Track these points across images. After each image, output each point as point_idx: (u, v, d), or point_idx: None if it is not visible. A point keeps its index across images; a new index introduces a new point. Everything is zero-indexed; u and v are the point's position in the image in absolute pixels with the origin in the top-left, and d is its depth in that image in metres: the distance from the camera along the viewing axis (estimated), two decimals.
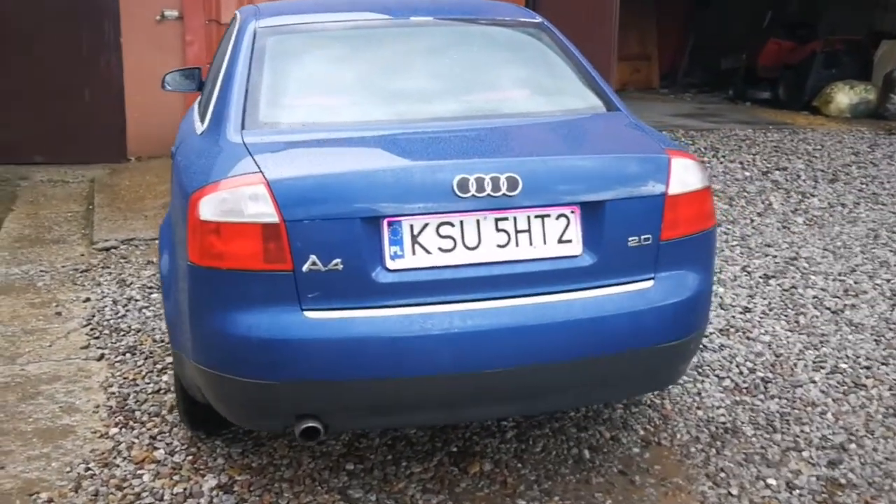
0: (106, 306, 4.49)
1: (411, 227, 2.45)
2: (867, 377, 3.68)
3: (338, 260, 2.39)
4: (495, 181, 2.45)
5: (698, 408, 3.43)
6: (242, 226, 2.39)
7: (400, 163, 2.58)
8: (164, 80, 4.39)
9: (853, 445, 3.16)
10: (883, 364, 3.80)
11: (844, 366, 3.78)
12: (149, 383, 3.65)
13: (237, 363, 2.46)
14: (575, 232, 2.56)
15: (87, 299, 4.60)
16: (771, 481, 2.95)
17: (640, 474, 3.00)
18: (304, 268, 2.39)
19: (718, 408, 3.42)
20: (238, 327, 2.43)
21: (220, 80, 3.09)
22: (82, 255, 5.34)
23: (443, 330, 2.45)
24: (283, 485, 2.93)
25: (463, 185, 2.43)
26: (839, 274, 4.88)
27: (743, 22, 13.25)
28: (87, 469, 3.03)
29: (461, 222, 2.48)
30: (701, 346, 3.95)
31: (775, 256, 5.16)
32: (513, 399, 2.63)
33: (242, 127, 2.78)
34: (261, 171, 2.45)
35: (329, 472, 3.00)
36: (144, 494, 2.88)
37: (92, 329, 4.22)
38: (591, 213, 2.57)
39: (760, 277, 4.83)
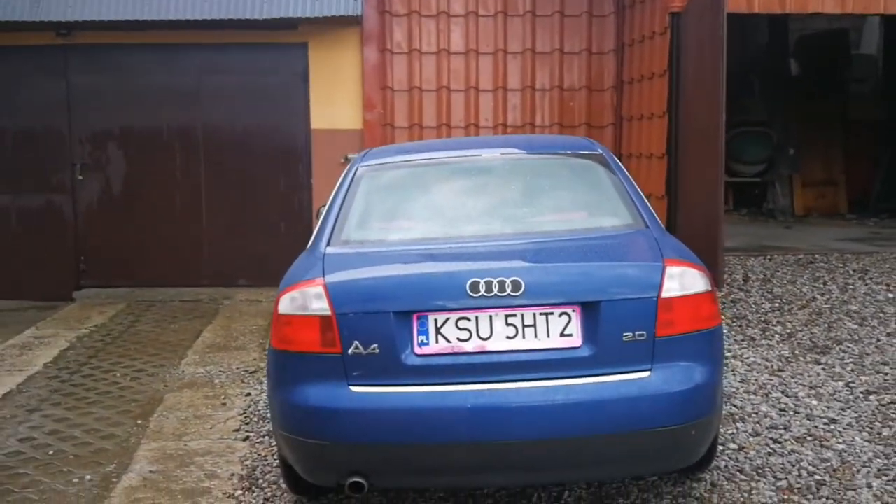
0: (261, 399, 5.36)
1: (435, 320, 3.07)
2: None
3: (375, 345, 3.05)
4: (502, 284, 3.03)
5: (743, 503, 3.65)
6: (306, 318, 3.12)
7: (428, 269, 3.24)
8: (318, 211, 5.33)
9: None
10: None
11: None
12: (276, 459, 4.40)
13: (300, 426, 3.15)
14: (575, 327, 3.07)
15: (249, 394, 5.51)
16: None
17: None
18: (350, 351, 3.06)
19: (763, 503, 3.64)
20: (301, 397, 3.12)
21: (326, 208, 3.93)
22: (255, 359, 6.33)
23: (459, 405, 3.00)
24: None
25: (475, 286, 3.04)
26: None
27: None
28: None
29: (476, 318, 3.07)
30: (769, 449, 4.14)
31: (887, 374, 5.18)
32: (524, 469, 3.10)
33: (328, 244, 3.57)
34: (323, 277, 3.19)
35: None
36: None
37: (245, 417, 5.09)
38: (590, 312, 3.07)
39: (861, 393, 4.89)
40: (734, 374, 5.26)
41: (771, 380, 5.15)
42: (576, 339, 3.07)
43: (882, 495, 3.67)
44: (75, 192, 8.90)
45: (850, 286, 7.17)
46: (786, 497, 3.69)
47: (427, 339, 3.07)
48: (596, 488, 3.83)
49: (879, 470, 3.90)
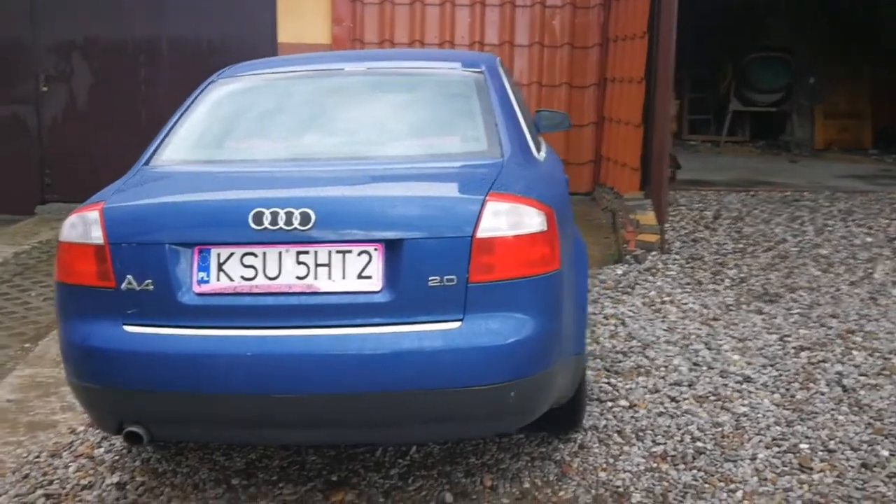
0: None
1: (218, 255, 2.68)
2: (822, 461, 3.29)
3: (150, 280, 2.67)
4: (289, 215, 2.62)
5: (604, 469, 3.27)
6: (81, 247, 2.76)
7: (211, 196, 2.83)
8: None
9: None
10: (853, 450, 3.36)
11: (804, 446, 3.40)
12: None
13: (76, 369, 2.82)
14: (376, 269, 2.65)
15: None
16: None
17: None
18: (123, 286, 2.70)
19: (625, 472, 3.24)
20: (77, 337, 2.78)
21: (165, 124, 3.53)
22: None
23: (239, 352, 2.63)
24: (167, 489, 3.22)
25: (258, 217, 2.63)
26: (890, 352, 4.32)
27: None
28: (37, 456, 3.51)
29: (264, 253, 2.67)
30: (661, 408, 3.72)
31: (830, 328, 4.67)
32: (314, 426, 2.74)
33: (146, 163, 3.18)
34: (104, 200, 2.81)
35: (214, 483, 3.26)
36: (56, 480, 3.31)
37: None
38: (393, 252, 2.64)
39: (793, 348, 4.40)
40: (663, 322, 4.81)
41: (699, 329, 4.69)
42: (375, 283, 2.65)
43: (764, 469, 3.23)
44: (40, 103, 8.62)
45: (829, 228, 6.58)
46: (655, 465, 3.29)
47: (208, 275, 2.69)
48: (451, 444, 3.47)
49: (774, 439, 3.46)
